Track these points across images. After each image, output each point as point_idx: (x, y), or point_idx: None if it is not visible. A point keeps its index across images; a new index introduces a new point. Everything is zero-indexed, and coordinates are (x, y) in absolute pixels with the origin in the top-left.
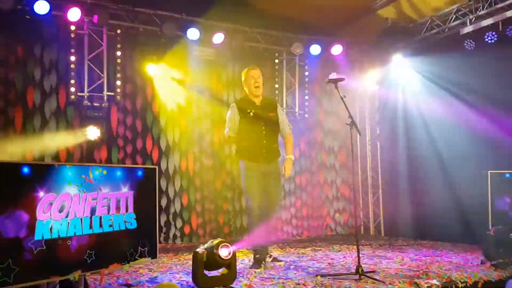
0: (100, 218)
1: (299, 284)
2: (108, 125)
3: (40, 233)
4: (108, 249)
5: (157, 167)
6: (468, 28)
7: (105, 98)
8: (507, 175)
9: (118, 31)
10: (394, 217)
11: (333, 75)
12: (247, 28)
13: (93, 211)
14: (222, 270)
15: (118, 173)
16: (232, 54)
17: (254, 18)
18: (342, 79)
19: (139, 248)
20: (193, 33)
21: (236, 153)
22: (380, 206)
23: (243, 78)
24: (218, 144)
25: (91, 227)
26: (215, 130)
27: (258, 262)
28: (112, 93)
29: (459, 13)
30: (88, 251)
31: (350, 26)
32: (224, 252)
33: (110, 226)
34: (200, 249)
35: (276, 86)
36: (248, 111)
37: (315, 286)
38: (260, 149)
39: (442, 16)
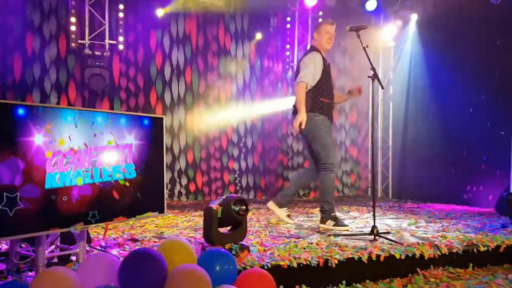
0: (101, 169)
1: (312, 243)
2: (110, 76)
3: (47, 183)
4: (112, 201)
5: (164, 117)
6: None
7: (107, 47)
8: None
9: None
10: (403, 180)
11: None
12: None
13: (94, 162)
14: (229, 228)
15: (122, 121)
16: (242, 3)
17: None
18: (365, 27)
19: (146, 201)
20: None
21: (312, 106)
22: (389, 168)
23: (317, 30)
24: (224, 100)
25: (92, 177)
26: (221, 85)
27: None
28: (115, 42)
29: None
30: (91, 202)
31: None
32: (241, 208)
33: (110, 176)
34: (214, 205)
35: (288, 39)
36: (327, 64)
37: (329, 245)
38: (332, 107)
39: None
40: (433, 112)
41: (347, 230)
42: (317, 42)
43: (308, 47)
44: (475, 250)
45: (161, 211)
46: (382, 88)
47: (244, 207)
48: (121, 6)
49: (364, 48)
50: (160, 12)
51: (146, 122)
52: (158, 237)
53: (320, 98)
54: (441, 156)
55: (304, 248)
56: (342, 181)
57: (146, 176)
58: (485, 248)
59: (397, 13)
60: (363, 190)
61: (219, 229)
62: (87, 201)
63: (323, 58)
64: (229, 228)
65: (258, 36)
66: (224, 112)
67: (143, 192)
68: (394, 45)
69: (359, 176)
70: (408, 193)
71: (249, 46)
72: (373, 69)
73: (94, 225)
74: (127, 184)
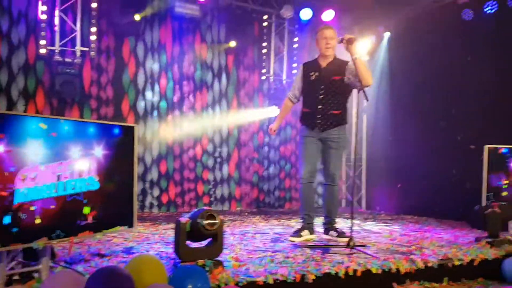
0: (65, 182)
1: (288, 257)
2: (81, 83)
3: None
4: (78, 215)
5: (135, 126)
6: None
7: (78, 53)
8: (505, 151)
9: None
10: (376, 192)
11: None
12: None
13: (58, 175)
14: (208, 242)
15: (91, 130)
16: (218, 13)
17: None
18: (355, 39)
19: (114, 215)
20: None
21: (300, 118)
22: (362, 180)
23: (315, 38)
24: (200, 109)
25: (56, 190)
26: (197, 94)
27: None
28: (86, 49)
29: None
30: (54, 217)
31: None
32: (209, 222)
33: (74, 189)
34: (183, 218)
35: (264, 51)
36: (311, 73)
37: (305, 259)
38: (315, 115)
39: None
40: (404, 125)
41: (309, 240)
42: (319, 49)
43: None
44: (450, 264)
45: (130, 225)
46: (367, 100)
47: (213, 222)
48: (93, 13)
49: (354, 59)
50: (136, 17)
51: (116, 131)
52: (127, 252)
53: (303, 109)
54: (412, 168)
55: (281, 263)
56: (317, 192)
57: (114, 189)
58: (460, 262)
59: (371, 28)
60: (339, 202)
61: (194, 243)
62: (51, 215)
63: (313, 66)
64: (205, 242)
65: (232, 43)
66: (199, 121)
67: (110, 205)
68: (368, 59)
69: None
70: (382, 205)
71: (225, 56)
72: (360, 81)
73: (58, 240)
74: (93, 197)
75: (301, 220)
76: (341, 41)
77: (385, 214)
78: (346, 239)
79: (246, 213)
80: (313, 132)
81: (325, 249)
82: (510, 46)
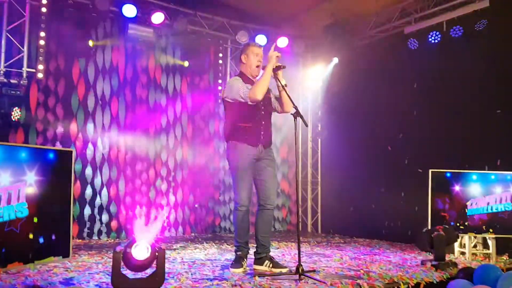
0: None
1: (235, 285)
2: (26, 105)
3: None
4: (5, 245)
5: (73, 150)
6: (412, 27)
7: (25, 75)
8: (448, 174)
9: (44, 1)
10: (331, 215)
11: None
12: (191, 11)
13: None
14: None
15: (23, 155)
16: (173, 37)
17: (198, 2)
18: (283, 67)
19: (47, 244)
20: (129, 10)
21: (230, 134)
22: (318, 203)
23: (244, 52)
24: (153, 132)
25: None
26: (151, 117)
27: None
28: (33, 70)
29: (404, 11)
30: None
31: (296, 19)
32: (138, 252)
33: (1, 217)
34: (119, 247)
35: (220, 75)
36: (249, 87)
37: (253, 287)
38: (258, 131)
39: (386, 14)
40: (355, 150)
41: (243, 272)
42: (246, 65)
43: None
44: None
45: (66, 255)
46: (306, 125)
47: (141, 252)
48: (42, 34)
49: (282, 86)
50: (90, 43)
51: (51, 155)
52: (66, 283)
53: (240, 124)
54: (363, 192)
55: None
56: (274, 216)
57: (46, 216)
58: (406, 286)
59: (323, 56)
60: (294, 225)
61: (133, 273)
62: None
63: (247, 81)
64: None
65: (186, 63)
66: (153, 144)
67: (43, 234)
68: (322, 85)
69: (290, 211)
70: (336, 228)
71: (180, 80)
72: (295, 107)
73: None
74: (23, 225)
75: (237, 249)
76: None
77: (339, 237)
78: (283, 269)
79: (200, 239)
80: (255, 150)
81: (273, 276)
82: (452, 73)
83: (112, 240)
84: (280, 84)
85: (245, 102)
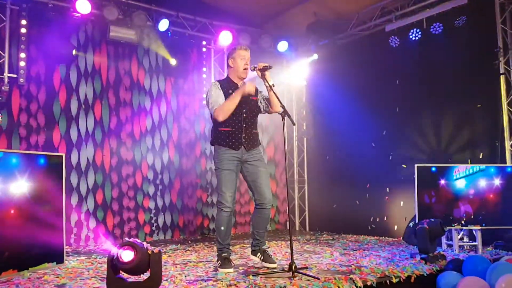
0: None
1: (230, 285)
2: (9, 111)
3: None
4: (1, 253)
5: (64, 155)
6: (393, 25)
7: (6, 80)
8: (433, 169)
9: (24, 5)
10: (318, 213)
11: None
12: (173, 12)
13: None
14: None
15: (14, 161)
16: (156, 38)
17: (180, 3)
18: (269, 67)
19: (40, 251)
20: (110, 12)
21: (213, 138)
22: (305, 202)
23: (231, 56)
24: (139, 135)
25: None
26: (135, 120)
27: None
28: (15, 75)
29: (385, 10)
30: None
31: (279, 19)
32: (125, 256)
33: None
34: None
35: (204, 76)
36: (230, 92)
37: (248, 286)
38: (239, 134)
39: (367, 13)
40: (340, 147)
41: (230, 272)
42: (233, 69)
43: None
44: (388, 281)
45: (60, 261)
46: (294, 124)
47: (127, 254)
48: (23, 38)
49: (270, 86)
50: (74, 52)
51: (42, 161)
52: None
53: (221, 128)
54: (348, 189)
55: None
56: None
57: (39, 222)
58: (397, 279)
59: (306, 54)
60: (283, 224)
61: (130, 277)
62: None
63: (229, 85)
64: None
65: (173, 61)
66: (139, 147)
67: (36, 240)
68: (306, 84)
69: (278, 210)
70: (324, 225)
71: (164, 81)
72: (283, 106)
73: None
74: (16, 232)
75: (220, 251)
76: (253, 69)
77: (327, 234)
78: (273, 265)
79: (190, 241)
80: (237, 153)
81: (266, 274)
82: (433, 69)
83: (100, 246)
84: (268, 85)
85: None
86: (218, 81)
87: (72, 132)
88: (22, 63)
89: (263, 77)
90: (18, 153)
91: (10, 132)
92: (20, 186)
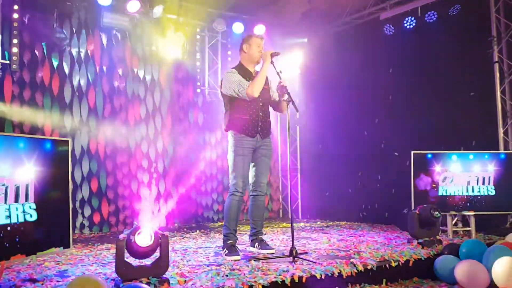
0: None
1: (234, 270)
2: (1, 98)
3: None
4: (8, 238)
5: (70, 140)
6: (388, 13)
7: None
8: (429, 156)
9: None
10: (311, 200)
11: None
12: None
13: None
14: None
15: (21, 145)
16: (150, 25)
17: None
18: (278, 53)
19: (48, 236)
20: None
21: (229, 125)
22: (298, 190)
23: (247, 42)
24: (133, 123)
25: None
26: (129, 107)
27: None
28: (7, 61)
29: None
30: None
31: (273, 7)
32: (141, 239)
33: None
34: (122, 235)
35: (198, 64)
36: (247, 79)
37: (251, 270)
38: (256, 123)
39: (362, 1)
40: (332, 136)
41: (237, 260)
42: (247, 55)
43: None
44: (387, 265)
45: (66, 245)
46: (297, 111)
47: (144, 238)
48: (15, 24)
49: (278, 73)
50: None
51: (48, 145)
52: (60, 275)
53: (239, 116)
54: (340, 176)
55: (227, 275)
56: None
57: (47, 206)
58: (396, 263)
59: (300, 42)
60: (276, 212)
61: (136, 261)
62: None
63: (245, 73)
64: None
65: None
66: (133, 135)
67: (44, 225)
68: (300, 73)
69: (272, 198)
70: (316, 213)
71: (158, 69)
72: (288, 93)
73: None
74: (26, 217)
75: (228, 235)
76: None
77: (321, 221)
78: (271, 251)
79: (185, 229)
80: (253, 140)
81: (268, 259)
82: (427, 57)
83: (95, 234)
84: (276, 71)
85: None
86: (236, 68)
87: (66, 120)
88: (14, 49)
89: (272, 63)
90: (25, 137)
91: (2, 120)
92: (27, 171)
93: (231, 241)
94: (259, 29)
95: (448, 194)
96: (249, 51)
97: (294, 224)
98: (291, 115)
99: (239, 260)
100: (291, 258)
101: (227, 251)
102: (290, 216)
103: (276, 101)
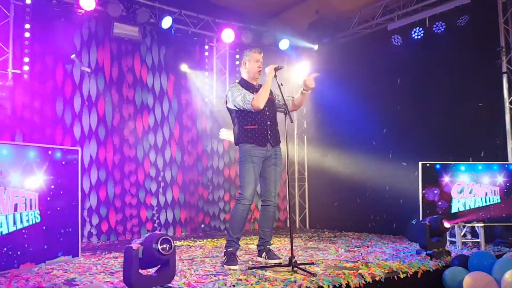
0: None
1: (241, 280)
2: (12, 107)
3: None
4: (19, 246)
5: (79, 149)
6: (396, 24)
7: (10, 76)
8: (437, 166)
9: (28, 2)
10: (319, 210)
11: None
12: (176, 10)
13: None
14: (156, 269)
15: (32, 154)
16: (159, 36)
17: (183, 1)
18: (281, 67)
19: (57, 244)
20: (114, 9)
21: (239, 137)
22: (306, 199)
23: (245, 59)
24: (141, 132)
25: None
26: (138, 117)
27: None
28: (19, 71)
29: (387, 8)
30: None
31: (281, 17)
32: (164, 247)
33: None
34: (134, 244)
35: (206, 74)
36: (251, 91)
37: (258, 281)
38: (265, 132)
39: (370, 11)
40: (340, 145)
41: (235, 270)
42: (247, 69)
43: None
44: (395, 277)
45: (75, 254)
46: (291, 121)
47: (168, 246)
48: (27, 34)
49: (279, 86)
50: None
51: (58, 155)
52: (69, 284)
53: (247, 126)
54: (348, 187)
55: (234, 286)
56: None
57: (56, 215)
58: (405, 275)
59: (307, 52)
60: (283, 221)
61: (142, 271)
62: None
63: (248, 86)
64: (155, 269)
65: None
66: (141, 145)
67: (53, 234)
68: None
69: (278, 207)
70: (324, 223)
71: (167, 78)
72: (285, 104)
73: None
74: (34, 226)
75: (230, 242)
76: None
77: (328, 231)
78: (278, 260)
79: (192, 238)
80: (263, 150)
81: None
82: (435, 68)
83: (103, 242)
84: (278, 84)
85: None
86: (237, 82)
87: (76, 129)
88: (26, 59)
89: (275, 77)
90: (36, 146)
91: (13, 128)
92: (38, 180)
93: (231, 248)
94: (267, 39)
95: (466, 205)
96: (248, 66)
97: (301, 234)
98: (291, 124)
99: (236, 269)
100: (290, 267)
101: (226, 260)
102: (288, 226)
103: (281, 104)
